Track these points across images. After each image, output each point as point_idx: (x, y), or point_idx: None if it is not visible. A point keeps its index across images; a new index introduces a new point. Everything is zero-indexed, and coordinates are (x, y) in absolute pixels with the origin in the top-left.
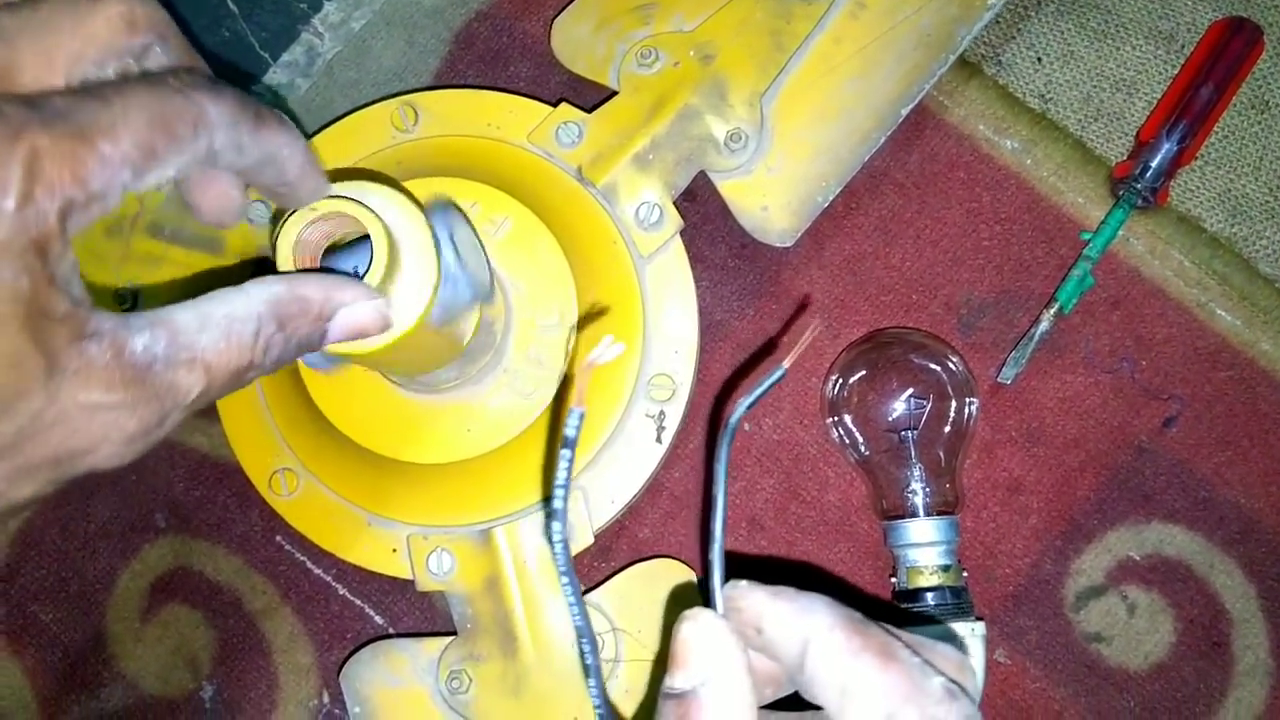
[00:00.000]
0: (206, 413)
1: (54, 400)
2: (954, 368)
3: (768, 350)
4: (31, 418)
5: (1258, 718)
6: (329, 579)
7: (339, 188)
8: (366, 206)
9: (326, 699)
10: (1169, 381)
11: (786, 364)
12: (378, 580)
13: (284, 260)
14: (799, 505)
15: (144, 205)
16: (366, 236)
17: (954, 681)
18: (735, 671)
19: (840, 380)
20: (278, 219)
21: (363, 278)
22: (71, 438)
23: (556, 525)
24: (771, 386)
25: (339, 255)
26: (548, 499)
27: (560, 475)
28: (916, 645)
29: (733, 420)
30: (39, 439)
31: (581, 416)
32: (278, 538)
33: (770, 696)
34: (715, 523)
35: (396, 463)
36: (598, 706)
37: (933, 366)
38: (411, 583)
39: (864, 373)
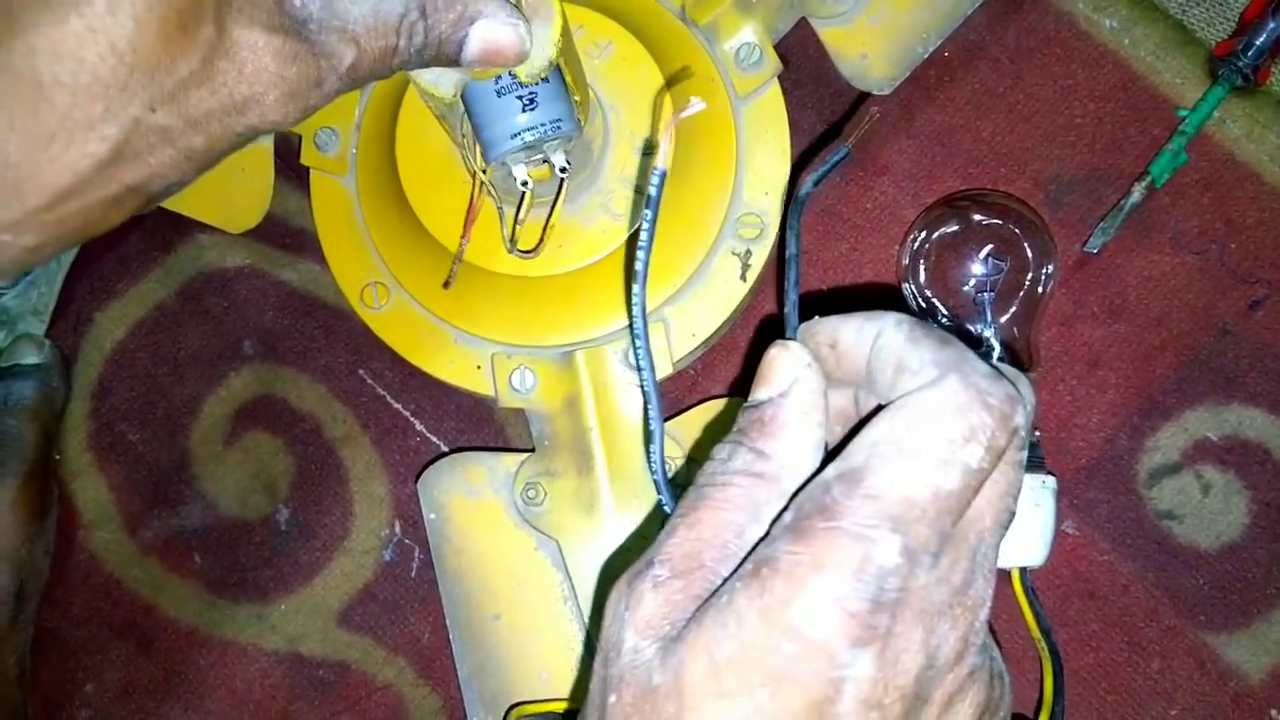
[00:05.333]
0: (294, 248)
1: (223, 32)
2: (1032, 228)
3: (833, 135)
4: (208, 46)
5: None
6: (408, 414)
7: None
8: None
9: (398, 530)
10: (1257, 265)
11: (850, 143)
12: (454, 419)
13: None
14: None
15: None
16: None
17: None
18: (812, 385)
19: (916, 242)
20: None
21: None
22: (239, 80)
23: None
24: (837, 164)
25: None
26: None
27: (643, 237)
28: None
29: (801, 194)
30: (214, 78)
31: (663, 176)
32: (360, 371)
33: (838, 435)
34: (789, 277)
35: (487, 274)
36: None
37: (1011, 227)
38: (485, 420)
39: (940, 234)
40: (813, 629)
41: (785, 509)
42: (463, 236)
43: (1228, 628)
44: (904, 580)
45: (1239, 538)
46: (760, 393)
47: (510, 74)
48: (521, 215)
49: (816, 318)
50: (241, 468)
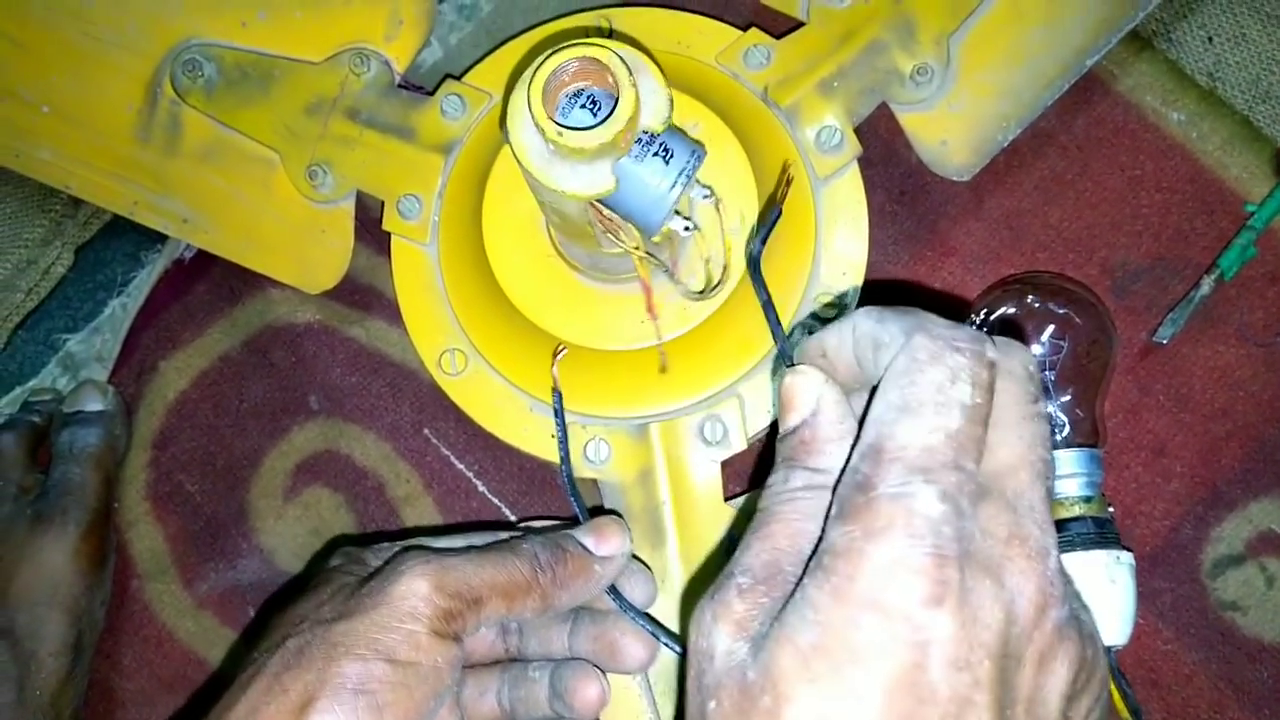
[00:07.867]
0: (363, 305)
1: None
2: (1091, 307)
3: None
4: None
5: None
6: (470, 475)
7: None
8: (619, 55)
9: None
10: None
11: (780, 204)
12: (517, 481)
13: (535, 92)
14: None
15: (344, 89)
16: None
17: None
18: (834, 397)
19: (977, 323)
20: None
21: (604, 122)
22: None
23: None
24: (775, 223)
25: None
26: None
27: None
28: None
29: (754, 252)
30: None
31: None
32: (425, 430)
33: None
34: (771, 317)
35: (567, 347)
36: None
37: (1070, 306)
38: (548, 484)
39: (1001, 314)
40: (884, 596)
41: (830, 504)
42: (652, 315)
43: None
44: (956, 529)
45: None
46: (792, 419)
47: (644, 131)
48: (680, 263)
49: (802, 338)
50: (301, 523)
